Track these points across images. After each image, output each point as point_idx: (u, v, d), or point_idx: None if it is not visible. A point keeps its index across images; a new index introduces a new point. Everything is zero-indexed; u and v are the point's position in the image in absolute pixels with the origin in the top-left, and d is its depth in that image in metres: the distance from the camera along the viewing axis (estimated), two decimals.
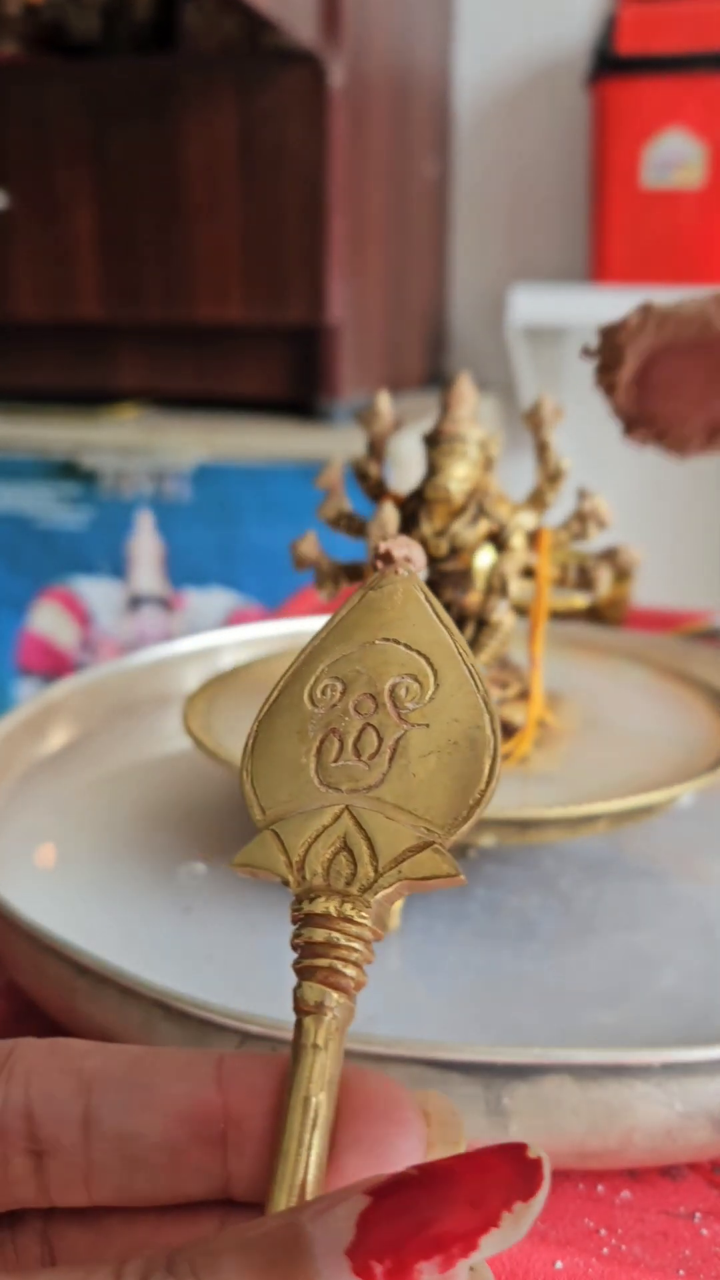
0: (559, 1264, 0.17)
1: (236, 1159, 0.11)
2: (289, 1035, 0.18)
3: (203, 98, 0.76)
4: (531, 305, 0.87)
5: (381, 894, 0.12)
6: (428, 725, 0.13)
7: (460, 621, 0.27)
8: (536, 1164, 0.10)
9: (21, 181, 0.81)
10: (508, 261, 0.99)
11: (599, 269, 0.87)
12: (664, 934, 0.24)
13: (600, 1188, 0.18)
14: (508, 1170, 0.10)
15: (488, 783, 0.12)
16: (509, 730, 0.26)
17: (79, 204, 0.80)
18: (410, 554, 0.14)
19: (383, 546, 0.14)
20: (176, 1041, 0.18)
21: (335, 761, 0.13)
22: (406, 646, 0.13)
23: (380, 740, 0.13)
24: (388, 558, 0.14)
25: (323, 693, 0.13)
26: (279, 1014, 0.18)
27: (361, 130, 0.79)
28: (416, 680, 0.13)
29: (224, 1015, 0.18)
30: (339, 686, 0.13)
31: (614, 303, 0.85)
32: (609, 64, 0.83)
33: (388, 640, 0.14)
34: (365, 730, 0.13)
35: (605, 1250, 0.17)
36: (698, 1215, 0.18)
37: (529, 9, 0.94)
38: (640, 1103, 0.17)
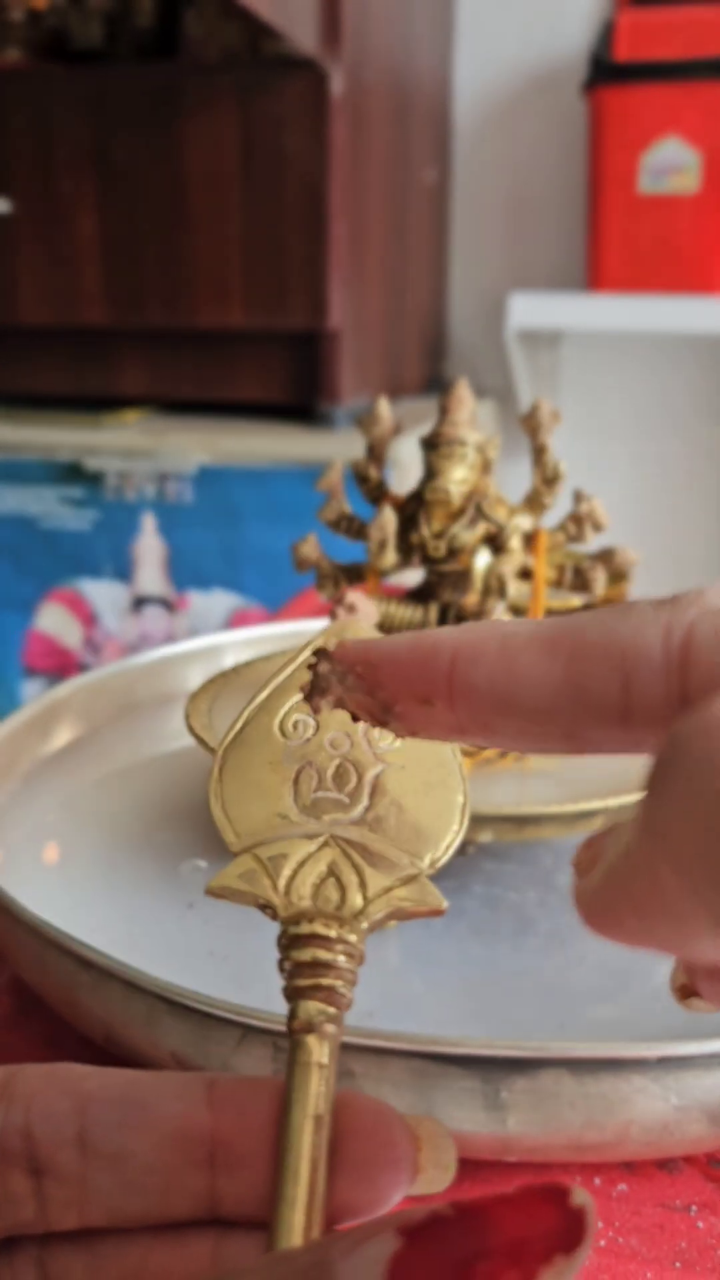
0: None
1: (225, 1179, 0.11)
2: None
3: (204, 105, 0.76)
4: (529, 311, 0.87)
5: (370, 921, 0.13)
6: (403, 766, 0.14)
7: (458, 622, 0.27)
8: (580, 1214, 0.09)
9: (25, 187, 0.81)
10: (506, 267, 1.00)
11: (596, 275, 0.88)
12: None
13: (597, 1181, 0.19)
14: (549, 1217, 0.09)
15: (461, 820, 0.13)
16: None
17: (82, 210, 0.81)
18: (369, 609, 0.15)
19: (348, 598, 0.15)
20: (178, 1036, 0.18)
21: (315, 793, 0.14)
22: None
23: (359, 776, 0.14)
24: (351, 608, 0.15)
25: (294, 727, 0.14)
26: (281, 1008, 0.18)
27: (361, 137, 0.79)
28: None
29: (226, 1009, 0.18)
30: (311, 723, 0.14)
31: (610, 309, 0.86)
32: (606, 71, 0.83)
33: None
34: (342, 765, 0.14)
35: (602, 1243, 0.17)
36: (694, 1208, 0.18)
37: (527, 17, 0.95)
38: (637, 1096, 0.17)
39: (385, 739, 0.14)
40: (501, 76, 0.97)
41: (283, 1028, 0.18)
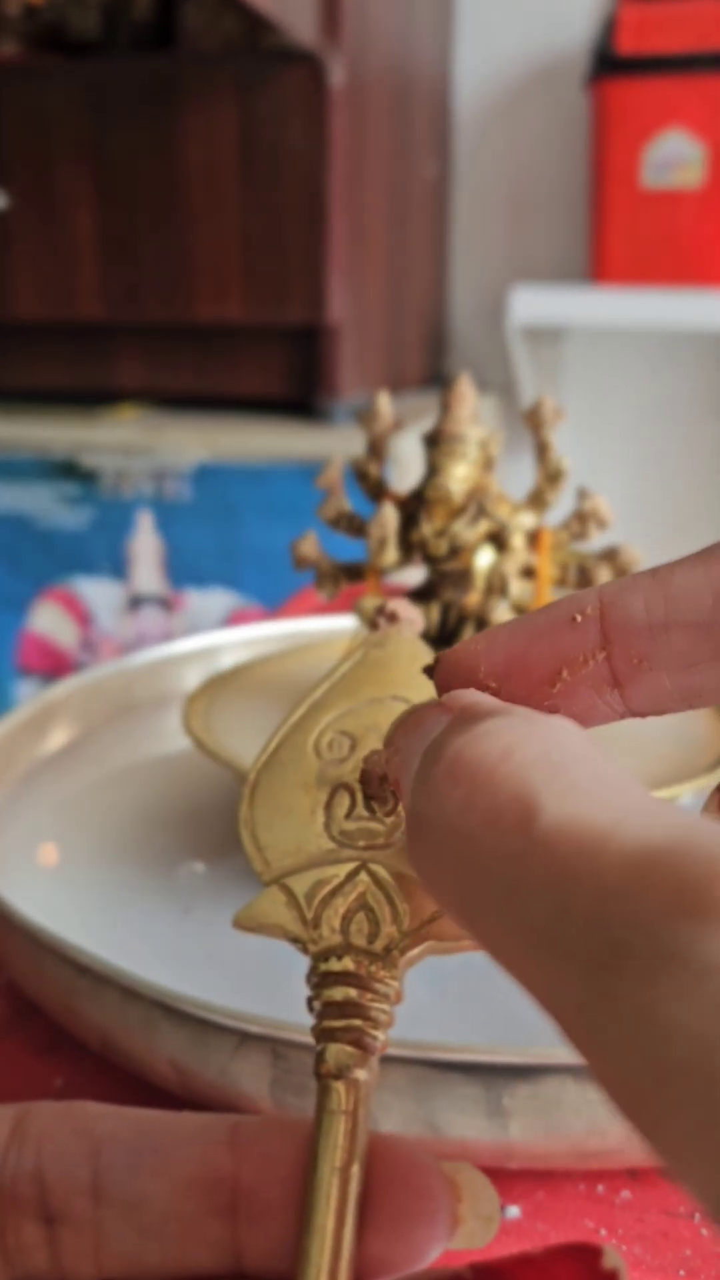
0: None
1: (249, 1230, 0.11)
2: (289, 1035, 0.18)
3: (203, 97, 0.76)
4: (531, 305, 0.87)
5: (408, 955, 0.12)
6: None
7: (460, 621, 0.27)
8: (612, 1278, 0.09)
9: (21, 181, 0.81)
10: (507, 261, 0.99)
11: (599, 269, 0.87)
12: None
13: (600, 1188, 0.18)
14: None
15: None
16: None
17: (79, 203, 0.80)
18: (414, 616, 0.14)
19: (389, 606, 0.14)
20: (176, 1042, 0.18)
21: (348, 817, 0.13)
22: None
23: (396, 799, 0.13)
24: (393, 616, 0.14)
25: (329, 746, 0.13)
26: (278, 1014, 0.18)
27: (361, 130, 0.79)
28: None
29: (224, 1015, 0.18)
30: (347, 742, 0.13)
31: (613, 303, 0.86)
32: (609, 64, 0.83)
33: (398, 699, 0.13)
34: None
35: None
36: (698, 1215, 0.18)
37: (529, 9, 0.94)
38: None
39: None
40: (503, 69, 0.96)
41: (282, 1033, 0.18)
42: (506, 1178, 0.18)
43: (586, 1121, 0.17)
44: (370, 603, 0.26)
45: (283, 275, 0.77)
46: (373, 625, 0.14)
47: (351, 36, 0.74)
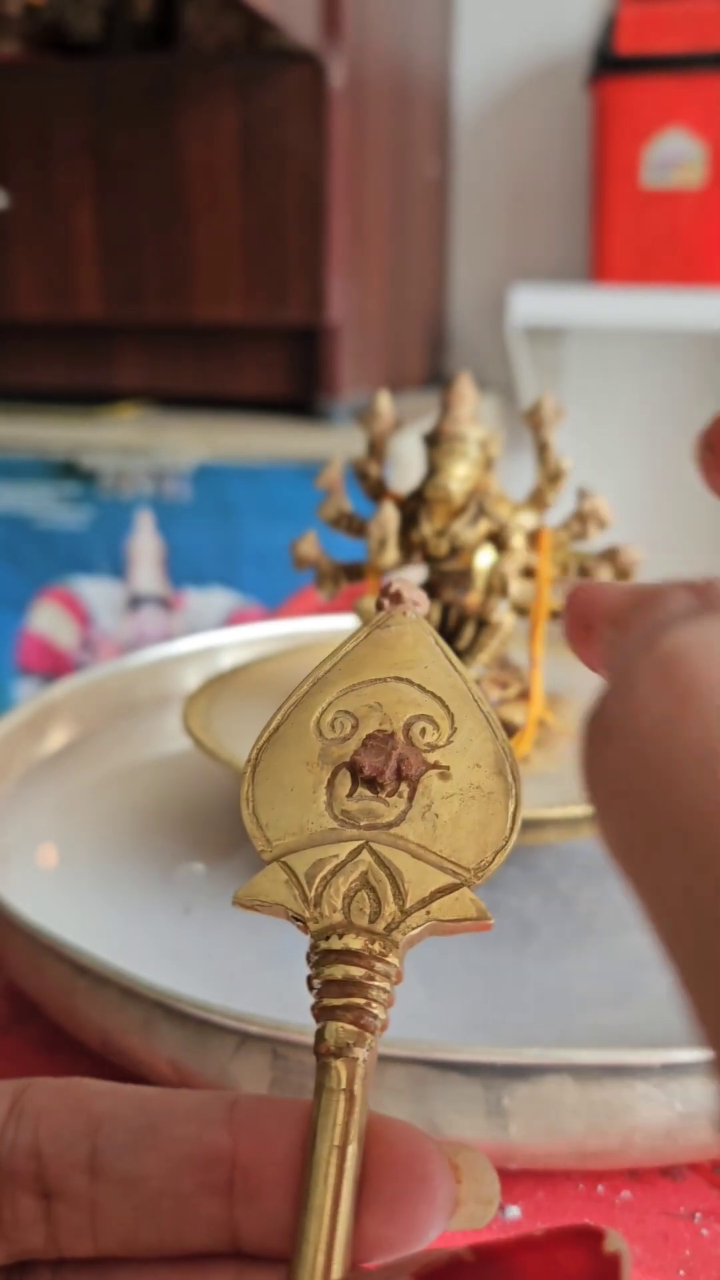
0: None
1: (245, 1209, 0.11)
2: (288, 1036, 0.18)
3: (203, 97, 0.76)
4: (532, 305, 0.87)
5: (409, 934, 0.12)
6: (447, 768, 0.13)
7: (460, 621, 0.27)
8: (614, 1261, 0.09)
9: (21, 180, 0.81)
10: (508, 261, 0.99)
11: (599, 268, 0.87)
12: None
13: (600, 1188, 0.18)
14: (579, 1265, 0.08)
15: (511, 829, 0.12)
16: (509, 730, 0.26)
17: (79, 203, 0.80)
18: (418, 598, 0.14)
19: (393, 586, 0.14)
20: (176, 1043, 0.18)
21: (350, 796, 0.12)
22: (420, 688, 0.13)
23: (396, 783, 0.13)
24: (397, 597, 0.14)
25: (332, 725, 0.13)
26: (279, 1015, 0.18)
27: (361, 130, 0.79)
28: (433, 722, 0.13)
29: (223, 1016, 0.18)
30: (350, 721, 0.13)
31: (614, 302, 0.86)
32: (609, 64, 0.82)
33: (401, 680, 0.13)
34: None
35: None
36: (698, 1215, 0.18)
37: (529, 9, 0.94)
38: (640, 1103, 0.17)
39: (430, 736, 0.13)
40: (503, 68, 0.96)
41: (281, 1034, 0.18)
42: (506, 1178, 0.18)
43: (586, 1122, 0.17)
44: (370, 602, 0.26)
45: (283, 275, 0.77)
46: (378, 606, 0.14)
47: (352, 36, 0.74)
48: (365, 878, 0.12)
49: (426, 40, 0.91)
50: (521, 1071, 0.17)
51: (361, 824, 0.12)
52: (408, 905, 0.12)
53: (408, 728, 0.13)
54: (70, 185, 0.80)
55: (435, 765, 0.13)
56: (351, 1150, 0.11)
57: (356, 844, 0.12)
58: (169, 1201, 0.11)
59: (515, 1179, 0.18)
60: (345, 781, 0.13)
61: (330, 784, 0.13)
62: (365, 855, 0.12)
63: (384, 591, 0.14)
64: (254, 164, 0.76)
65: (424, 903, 0.12)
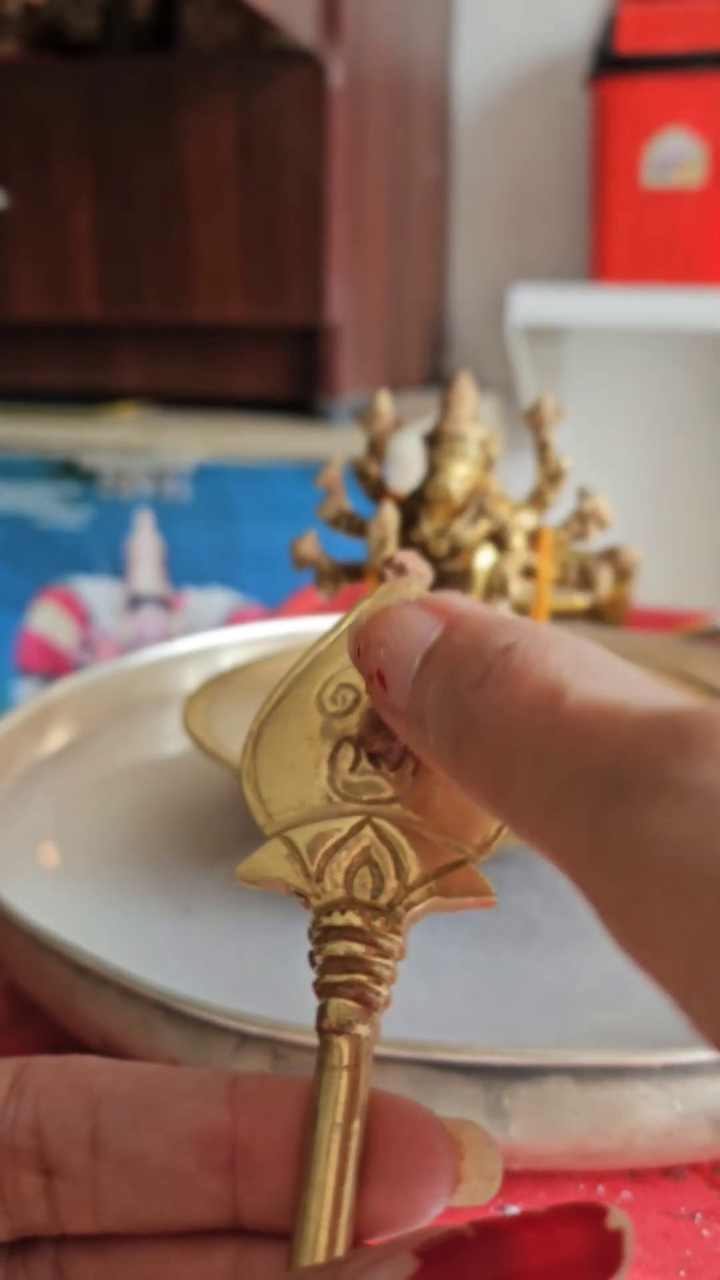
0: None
1: (246, 1186, 0.11)
2: (289, 1036, 0.18)
3: (202, 97, 0.76)
4: (532, 304, 0.87)
5: (413, 910, 0.12)
6: None
7: None
8: (617, 1238, 0.09)
9: (21, 181, 0.81)
10: (508, 261, 0.99)
11: (599, 268, 0.87)
12: None
13: (601, 1188, 0.18)
14: (581, 1240, 0.09)
15: None
16: None
17: (78, 203, 0.80)
18: (422, 570, 0.14)
19: (397, 558, 0.14)
20: (176, 1043, 0.18)
21: (352, 770, 0.12)
22: None
23: (401, 755, 0.12)
24: (400, 568, 0.14)
25: (333, 699, 0.13)
26: (279, 1015, 0.18)
27: (361, 129, 0.79)
28: None
29: (224, 1016, 0.18)
30: (352, 694, 0.13)
31: (614, 302, 0.86)
32: (609, 63, 0.82)
33: None
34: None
35: None
36: (699, 1216, 0.18)
37: (529, 8, 0.94)
38: (641, 1103, 0.17)
39: None
40: (503, 68, 0.96)
41: (282, 1034, 0.18)
42: (507, 1178, 0.18)
43: (587, 1122, 0.17)
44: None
45: (282, 275, 0.77)
46: (380, 577, 0.14)
47: (351, 36, 0.74)
48: (368, 853, 0.12)
49: (426, 40, 0.91)
50: (522, 1072, 0.17)
51: (364, 799, 0.12)
52: (410, 881, 0.12)
53: None
54: (69, 185, 0.80)
55: None
56: (354, 1127, 0.10)
57: (359, 819, 0.12)
58: (169, 1179, 0.11)
59: (516, 1179, 0.18)
60: (348, 755, 0.12)
61: (333, 758, 0.12)
62: (368, 830, 0.12)
63: (388, 563, 0.14)
64: (253, 164, 0.76)
65: (426, 879, 0.12)
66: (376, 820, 0.12)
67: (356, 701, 0.13)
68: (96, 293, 0.81)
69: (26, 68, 0.80)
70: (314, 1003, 0.12)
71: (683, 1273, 0.17)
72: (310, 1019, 0.12)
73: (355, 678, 0.13)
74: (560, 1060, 0.17)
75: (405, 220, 0.90)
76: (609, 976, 0.22)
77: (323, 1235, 0.10)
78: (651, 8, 0.84)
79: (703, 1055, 0.17)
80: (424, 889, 0.12)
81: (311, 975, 0.12)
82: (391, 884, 0.12)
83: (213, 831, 0.27)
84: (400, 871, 0.12)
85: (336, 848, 0.12)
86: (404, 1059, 0.17)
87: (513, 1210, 0.18)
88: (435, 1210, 0.11)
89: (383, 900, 0.12)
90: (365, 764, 0.12)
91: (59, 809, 0.29)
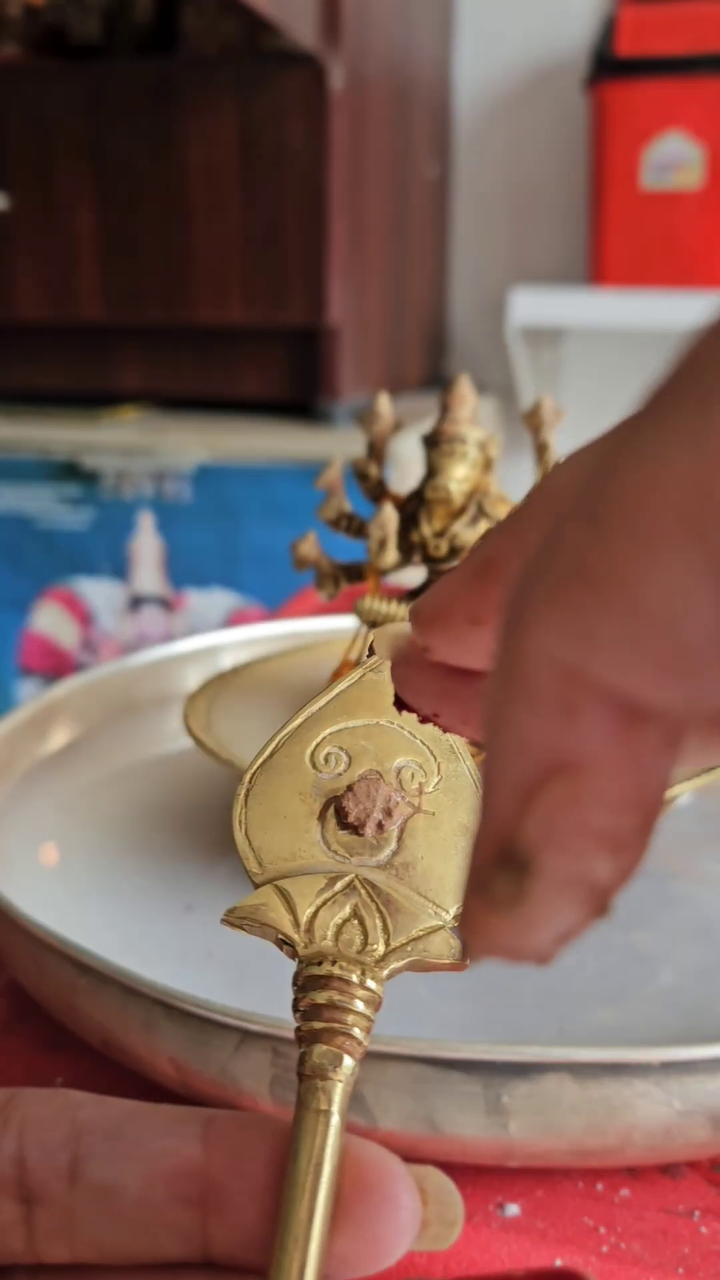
0: (558, 1262, 0.17)
1: (217, 1221, 0.11)
2: (289, 1034, 0.18)
3: (203, 100, 0.76)
4: (531, 307, 0.87)
5: (392, 968, 0.12)
6: (434, 813, 0.13)
7: None
8: None
9: (22, 183, 0.81)
10: (507, 263, 1.00)
11: (598, 271, 0.87)
12: (662, 933, 0.24)
13: (599, 1186, 0.18)
14: None
15: None
16: None
17: (79, 205, 0.80)
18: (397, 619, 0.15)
19: (372, 638, 0.15)
20: (177, 1041, 0.18)
21: (342, 830, 0.13)
22: (410, 734, 0.14)
23: (380, 828, 0.13)
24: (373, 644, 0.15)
25: (326, 760, 0.14)
26: (279, 1013, 0.18)
27: (361, 132, 0.79)
28: (421, 768, 0.14)
29: (224, 1014, 0.18)
30: (344, 757, 0.14)
31: (613, 304, 0.86)
32: (608, 66, 0.83)
33: (393, 724, 0.14)
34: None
35: (604, 1248, 0.17)
36: (697, 1213, 0.18)
37: (528, 11, 0.95)
38: (639, 1101, 0.17)
39: (418, 780, 0.14)
40: (503, 71, 0.97)
41: (282, 1031, 0.18)
42: (505, 1176, 0.19)
43: (585, 1120, 0.17)
44: (370, 602, 0.26)
45: (283, 277, 0.77)
46: (371, 623, 0.15)
47: (352, 38, 0.75)
48: (356, 910, 0.13)
49: (426, 42, 0.92)
50: (521, 1069, 0.17)
51: (352, 858, 0.13)
52: (393, 941, 0.12)
53: (398, 771, 0.14)
54: (71, 187, 0.80)
55: (422, 809, 0.13)
56: (329, 1169, 0.11)
57: (349, 876, 0.13)
58: (143, 1211, 0.11)
59: (514, 1177, 0.19)
60: (335, 816, 0.13)
61: (322, 816, 0.13)
62: (358, 888, 0.13)
63: (369, 646, 0.15)
64: (254, 166, 0.76)
65: (408, 941, 0.12)
66: (365, 879, 0.13)
67: (349, 765, 0.14)
68: (98, 295, 0.81)
69: (28, 70, 0.80)
70: None
71: (681, 1270, 0.17)
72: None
73: (348, 742, 0.14)
74: (559, 1058, 0.17)
75: (405, 223, 0.90)
76: (606, 974, 0.22)
77: (294, 1270, 0.10)
78: (650, 11, 0.84)
79: (702, 1052, 0.17)
80: (406, 949, 0.12)
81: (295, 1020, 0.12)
82: (376, 941, 0.12)
83: (213, 830, 0.27)
84: (385, 931, 0.12)
85: (327, 902, 0.13)
86: (404, 1056, 0.17)
87: (512, 1209, 0.18)
88: (398, 1253, 0.11)
89: (367, 956, 0.12)
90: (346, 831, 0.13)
91: (61, 808, 0.29)
